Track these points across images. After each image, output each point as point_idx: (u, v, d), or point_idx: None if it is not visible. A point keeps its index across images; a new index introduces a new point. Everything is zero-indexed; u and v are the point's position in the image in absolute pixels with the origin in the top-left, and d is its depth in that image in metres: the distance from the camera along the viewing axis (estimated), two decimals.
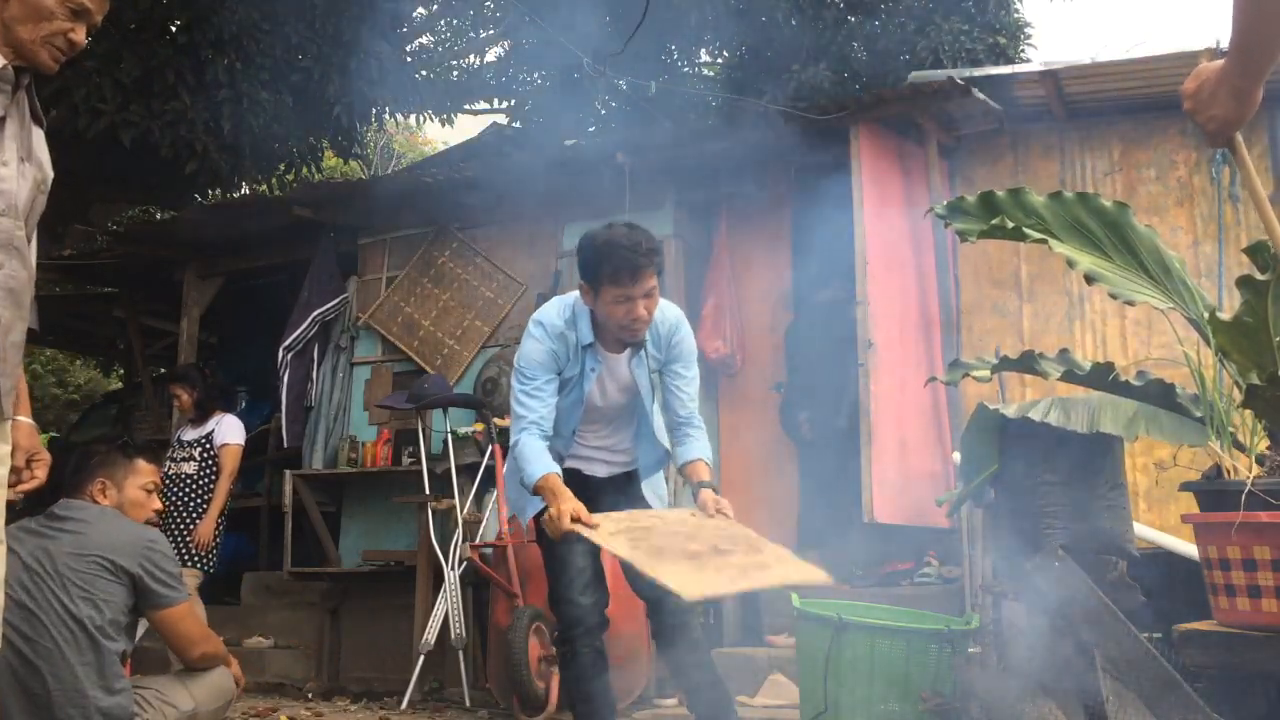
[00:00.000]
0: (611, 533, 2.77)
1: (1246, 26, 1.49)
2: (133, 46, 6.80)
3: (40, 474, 2.19)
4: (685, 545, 2.72)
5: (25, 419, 2.19)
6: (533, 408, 3.00)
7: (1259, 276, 2.12)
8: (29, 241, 2.13)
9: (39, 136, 2.20)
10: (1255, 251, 2.18)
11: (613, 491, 3.20)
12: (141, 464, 3.22)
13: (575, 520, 2.77)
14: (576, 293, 3.14)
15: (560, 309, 3.12)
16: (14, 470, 2.12)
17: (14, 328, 2.08)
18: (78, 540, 2.83)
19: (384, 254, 6.90)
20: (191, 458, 5.49)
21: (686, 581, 2.54)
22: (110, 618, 2.80)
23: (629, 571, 3.19)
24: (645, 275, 2.92)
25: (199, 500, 5.32)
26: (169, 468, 5.41)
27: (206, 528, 5.17)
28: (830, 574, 2.75)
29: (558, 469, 2.95)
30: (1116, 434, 2.51)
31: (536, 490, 2.92)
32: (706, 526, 2.88)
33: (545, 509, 3.05)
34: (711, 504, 2.94)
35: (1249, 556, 2.07)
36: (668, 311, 3.15)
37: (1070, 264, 2.47)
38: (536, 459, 2.93)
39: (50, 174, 2.21)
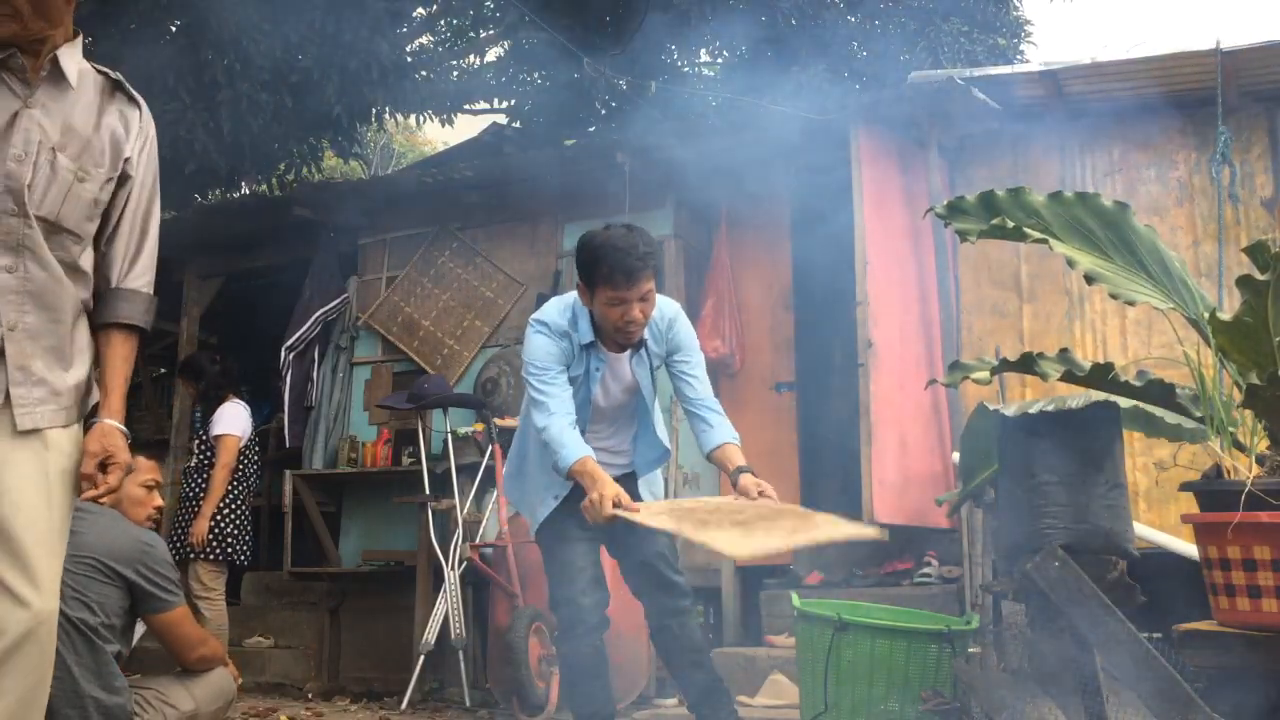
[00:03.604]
0: (655, 514, 2.77)
1: None
2: (133, 47, 6.79)
3: (113, 480, 2.03)
4: (733, 517, 2.71)
5: (107, 420, 2.06)
6: (554, 394, 2.99)
7: (1259, 276, 2.12)
8: (68, 234, 2.03)
9: (70, 109, 2.04)
10: (1255, 251, 2.19)
11: None
12: (141, 461, 3.18)
13: (618, 506, 2.76)
14: (572, 295, 3.15)
15: (560, 309, 3.13)
16: (84, 478, 2.02)
17: (41, 333, 2.00)
18: (73, 542, 2.78)
19: (384, 254, 6.90)
20: (194, 451, 5.50)
21: (735, 543, 2.55)
22: (104, 621, 2.78)
23: (627, 573, 3.20)
24: (641, 278, 2.92)
25: (200, 494, 5.30)
26: (189, 461, 5.45)
27: (199, 526, 5.14)
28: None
29: (592, 452, 2.93)
30: (1112, 401, 2.50)
31: (572, 475, 2.90)
32: (751, 506, 2.85)
33: (552, 504, 3.06)
34: (753, 488, 2.91)
35: (1249, 556, 2.07)
36: (665, 307, 3.16)
37: (1070, 264, 2.48)
38: (571, 443, 2.92)
39: (96, 157, 2.07)
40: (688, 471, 5.70)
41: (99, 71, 2.13)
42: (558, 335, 3.06)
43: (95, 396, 2.12)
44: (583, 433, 3.15)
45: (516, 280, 6.38)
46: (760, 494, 2.88)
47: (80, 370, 2.08)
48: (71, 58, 2.06)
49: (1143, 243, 2.49)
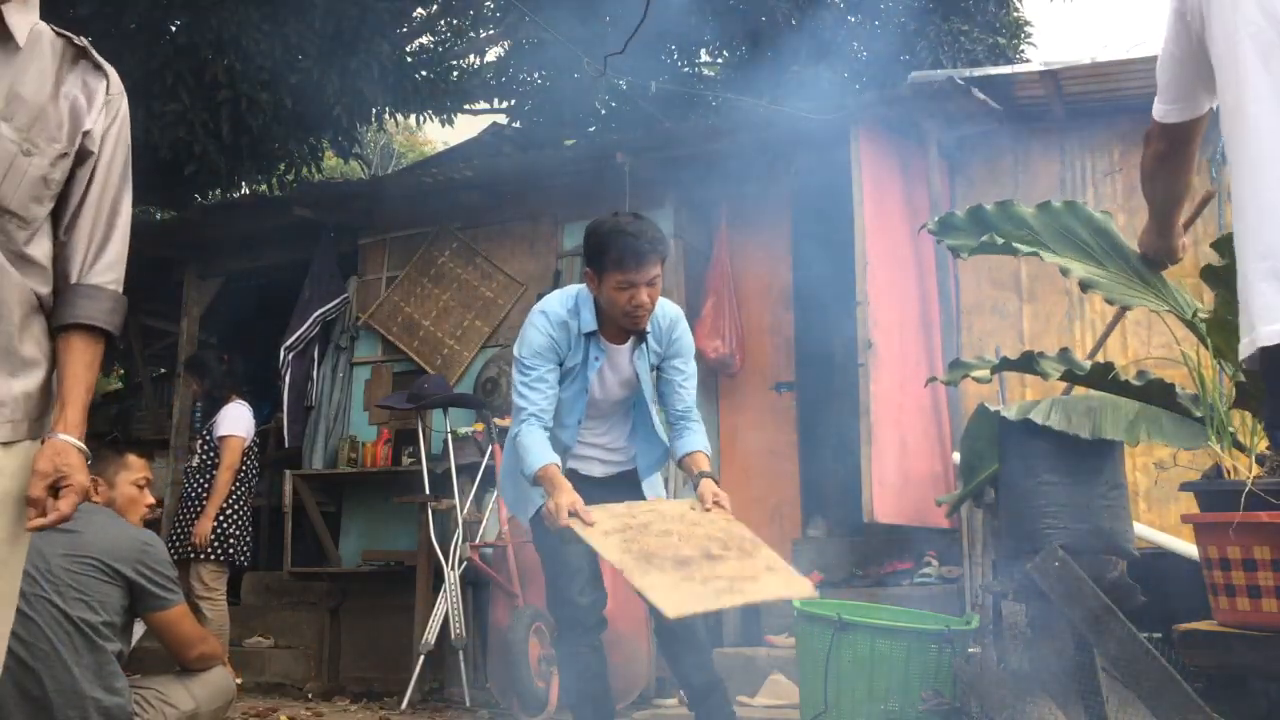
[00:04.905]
0: (606, 532, 2.77)
1: (1146, 196, 2.23)
2: (132, 47, 6.79)
3: (64, 506, 1.71)
4: (677, 549, 2.73)
5: (61, 436, 1.75)
6: (533, 399, 3.01)
7: (1217, 264, 2.14)
8: (10, 216, 1.75)
9: (17, 73, 1.77)
10: (1221, 245, 2.21)
11: (612, 490, 3.19)
12: (132, 459, 3.20)
13: (573, 514, 2.78)
14: (577, 286, 3.18)
15: (563, 299, 3.15)
16: (30, 502, 1.71)
17: None
18: (72, 541, 2.81)
19: (384, 254, 6.90)
20: (195, 450, 5.51)
21: (670, 597, 2.56)
22: (105, 619, 2.79)
23: None
24: (650, 262, 2.95)
25: (203, 493, 5.30)
26: (190, 461, 5.48)
27: (203, 525, 5.15)
28: (815, 587, 2.77)
29: (557, 459, 2.96)
30: (1118, 439, 2.52)
31: (536, 480, 2.93)
32: (702, 524, 2.89)
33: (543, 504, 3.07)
34: (709, 495, 2.96)
35: (1249, 556, 2.07)
36: (667, 308, 3.19)
37: (1064, 272, 2.49)
38: (537, 449, 2.94)
39: (50, 130, 1.79)
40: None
41: (60, 35, 1.85)
42: (555, 324, 3.08)
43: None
44: (580, 423, 3.15)
45: (516, 280, 6.39)
46: (715, 502, 2.94)
47: (34, 378, 1.79)
48: (23, 16, 1.79)
49: (1133, 249, 2.50)
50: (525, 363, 3.05)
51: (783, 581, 2.74)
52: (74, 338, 1.82)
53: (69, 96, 1.82)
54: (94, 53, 1.87)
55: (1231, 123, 1.60)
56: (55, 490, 1.72)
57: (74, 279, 1.83)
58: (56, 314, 1.82)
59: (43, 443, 1.77)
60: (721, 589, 2.63)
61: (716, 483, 3.05)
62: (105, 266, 1.86)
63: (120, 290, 1.89)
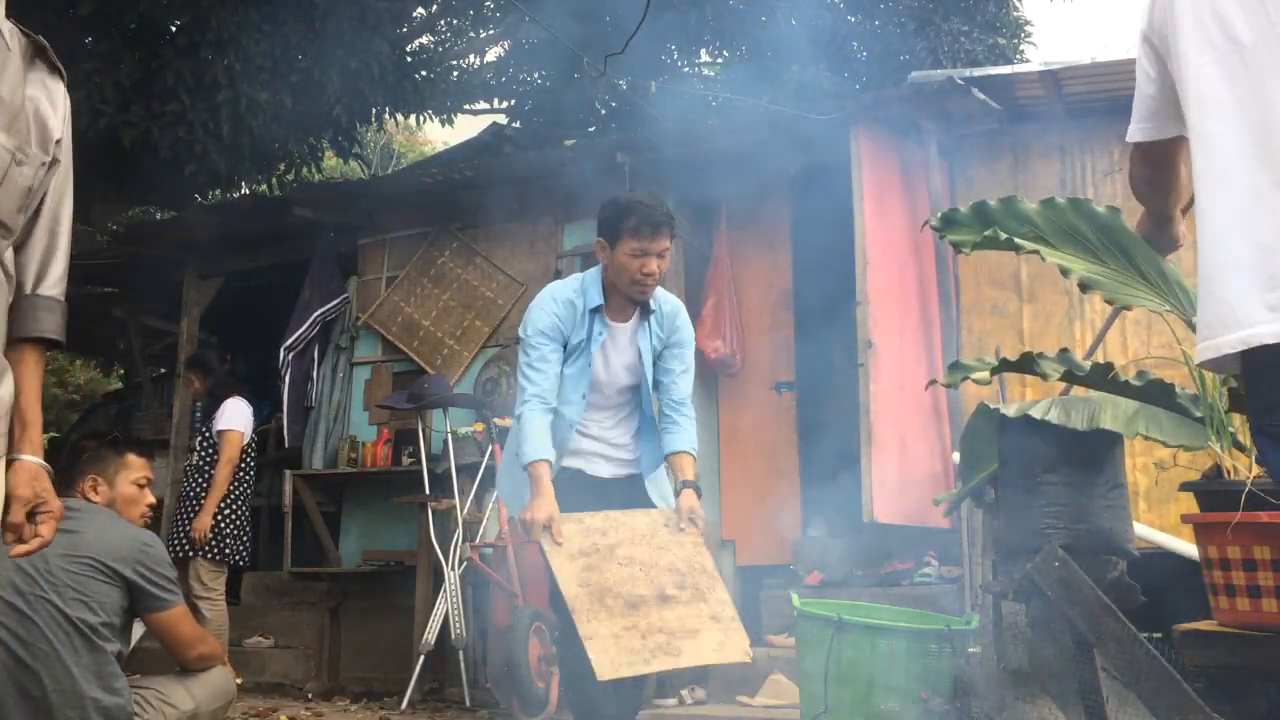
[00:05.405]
0: (571, 555, 2.85)
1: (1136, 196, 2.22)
2: (132, 48, 6.79)
3: (45, 532, 1.67)
4: (633, 588, 2.82)
5: (29, 458, 1.67)
6: (537, 380, 3.06)
7: None
8: (7, 230, 1.67)
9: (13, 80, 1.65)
10: None
11: (617, 496, 3.20)
12: (132, 458, 3.19)
13: (546, 529, 2.86)
14: (581, 273, 3.27)
15: (569, 281, 3.25)
16: (10, 528, 1.64)
17: None
18: (71, 541, 2.80)
19: (384, 254, 6.90)
20: (194, 448, 5.51)
21: (606, 654, 2.67)
22: (104, 620, 2.78)
23: None
24: (663, 234, 3.07)
25: (201, 492, 5.30)
26: (189, 459, 5.49)
27: (202, 520, 5.15)
28: (750, 653, 2.88)
29: (552, 457, 3.01)
30: (1116, 430, 2.52)
31: (526, 470, 2.98)
32: (669, 549, 2.96)
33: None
34: (685, 511, 3.03)
35: (1249, 556, 2.07)
36: (670, 297, 3.29)
37: (1064, 272, 2.49)
38: (536, 438, 3.00)
39: (24, 135, 1.67)
40: None
41: (23, 31, 1.73)
42: (561, 303, 3.14)
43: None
44: (583, 398, 3.17)
45: (516, 280, 6.39)
46: (690, 519, 3.02)
47: (9, 385, 1.69)
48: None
49: (1137, 246, 2.49)
50: (530, 342, 3.11)
51: (718, 642, 2.82)
52: (29, 351, 1.74)
53: (33, 100, 1.71)
54: (50, 51, 1.75)
55: (1197, 140, 1.66)
56: (31, 515, 1.67)
57: (29, 289, 1.75)
58: (14, 325, 1.73)
59: (8, 464, 1.69)
60: (658, 646, 2.73)
61: (698, 492, 3.10)
62: (57, 277, 1.79)
63: (64, 300, 1.82)
